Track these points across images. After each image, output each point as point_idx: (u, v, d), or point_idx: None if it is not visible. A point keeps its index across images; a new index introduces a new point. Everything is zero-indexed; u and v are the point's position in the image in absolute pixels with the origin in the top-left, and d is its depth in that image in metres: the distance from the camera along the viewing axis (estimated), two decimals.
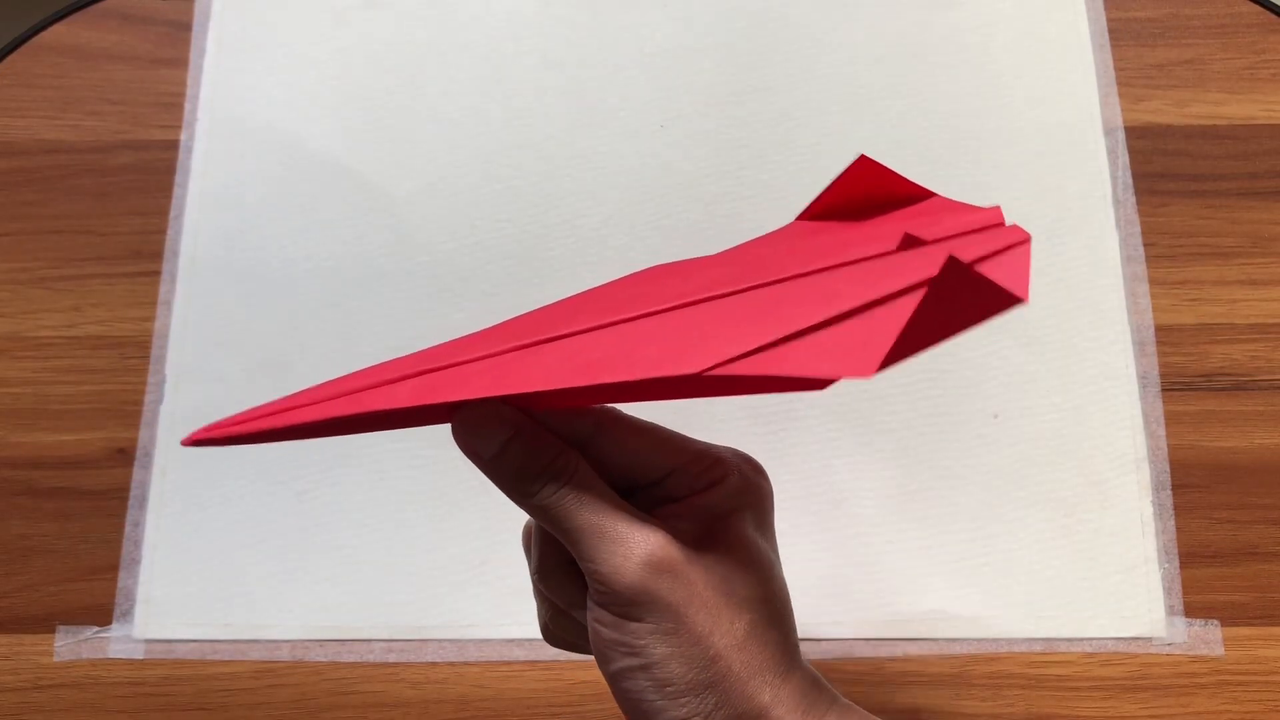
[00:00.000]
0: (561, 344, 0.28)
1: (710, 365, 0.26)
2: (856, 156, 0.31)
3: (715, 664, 0.29)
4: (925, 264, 0.27)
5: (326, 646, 0.43)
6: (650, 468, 0.30)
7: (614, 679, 0.28)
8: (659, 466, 0.30)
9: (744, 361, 0.27)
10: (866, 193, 0.33)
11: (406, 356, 0.29)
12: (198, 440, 0.27)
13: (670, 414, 0.33)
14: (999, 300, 0.26)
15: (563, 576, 0.31)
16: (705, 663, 0.28)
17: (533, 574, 0.32)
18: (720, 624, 0.29)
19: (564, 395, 0.28)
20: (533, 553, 0.31)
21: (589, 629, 0.29)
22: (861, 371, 0.25)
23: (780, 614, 0.30)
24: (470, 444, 0.29)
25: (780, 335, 0.26)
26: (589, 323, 0.29)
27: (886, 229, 0.31)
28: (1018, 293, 0.25)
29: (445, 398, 0.27)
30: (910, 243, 0.29)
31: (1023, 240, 0.26)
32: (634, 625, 0.28)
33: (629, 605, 0.28)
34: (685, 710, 0.28)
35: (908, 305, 0.26)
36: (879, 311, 0.27)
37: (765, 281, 0.29)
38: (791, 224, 0.34)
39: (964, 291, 0.27)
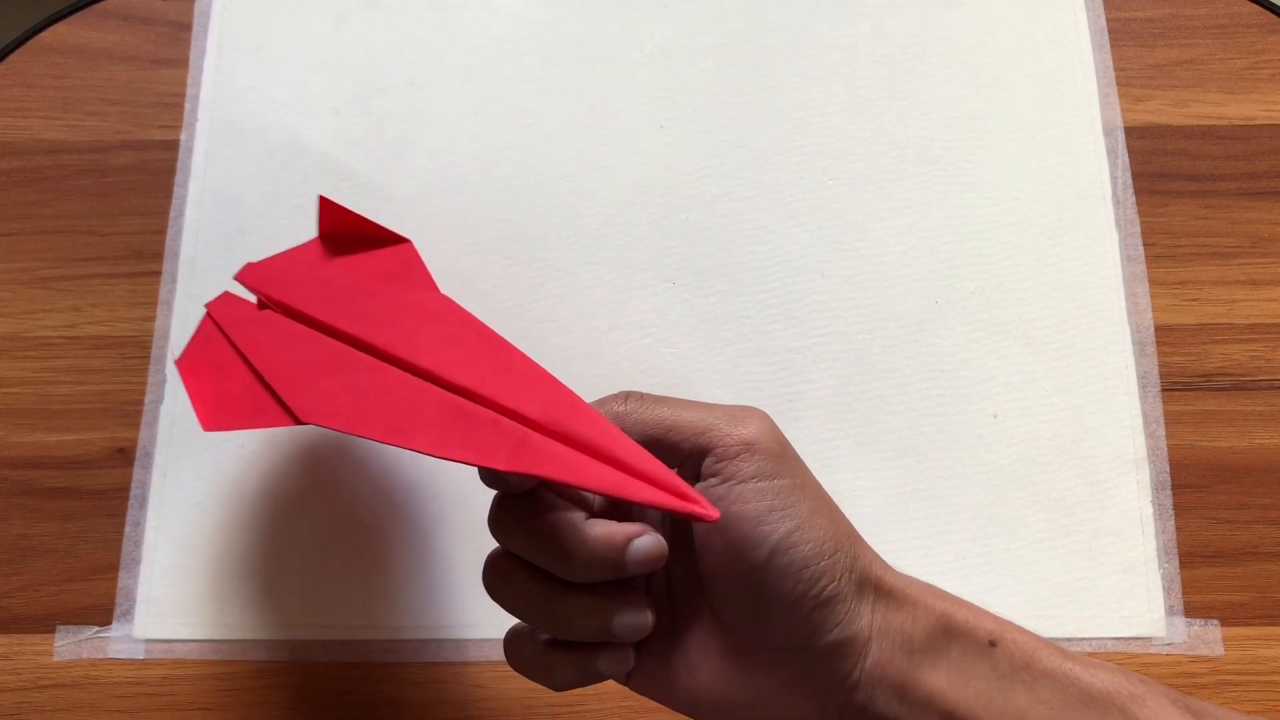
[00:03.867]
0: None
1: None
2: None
3: (836, 514, 0.30)
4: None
5: (326, 646, 0.43)
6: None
7: (773, 555, 0.28)
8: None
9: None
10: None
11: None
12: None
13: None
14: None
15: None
16: (832, 515, 0.30)
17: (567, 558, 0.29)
18: (820, 484, 0.30)
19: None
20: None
21: (724, 524, 0.28)
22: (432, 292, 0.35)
23: None
24: None
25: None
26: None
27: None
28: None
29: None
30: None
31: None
32: (779, 483, 0.29)
33: (773, 458, 0.29)
34: (839, 567, 0.28)
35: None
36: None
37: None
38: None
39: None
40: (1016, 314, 0.47)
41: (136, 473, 0.45)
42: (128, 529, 0.44)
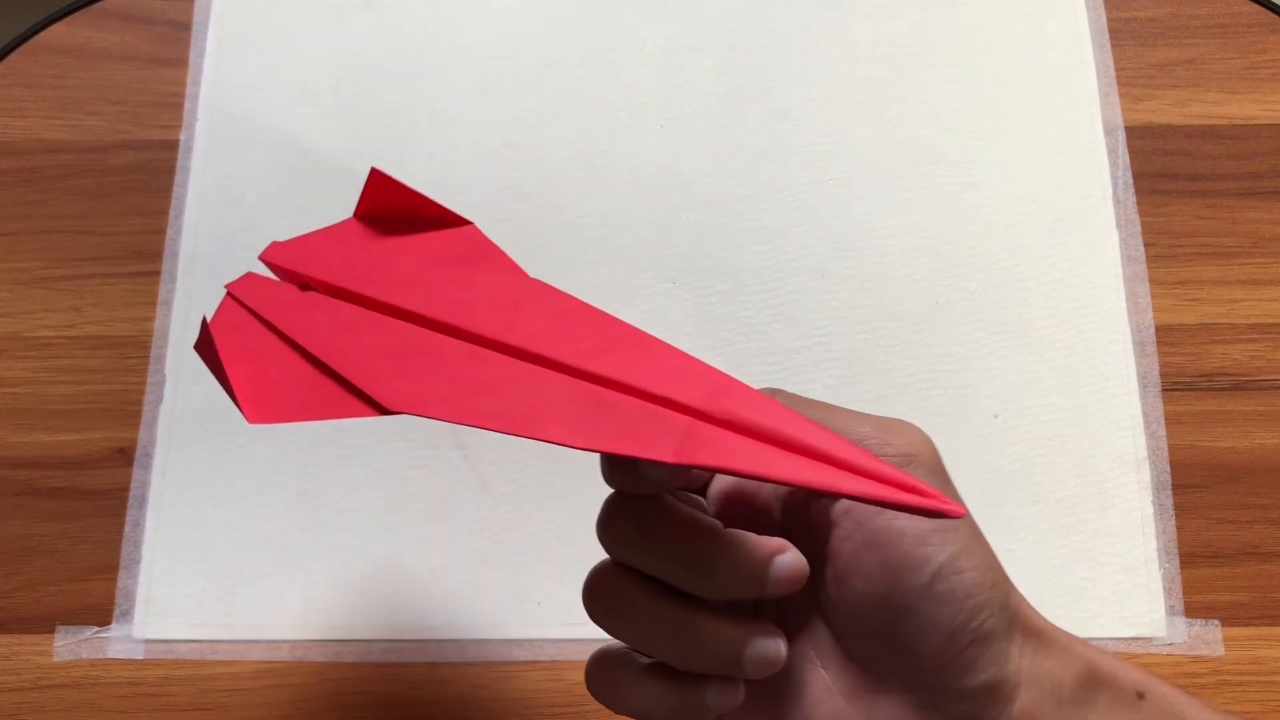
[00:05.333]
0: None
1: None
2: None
3: (988, 544, 0.27)
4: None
5: (326, 646, 0.43)
6: None
7: (935, 580, 0.25)
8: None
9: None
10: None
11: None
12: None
13: None
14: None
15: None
16: (986, 544, 0.27)
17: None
18: None
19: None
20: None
21: (881, 540, 0.25)
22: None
23: None
24: None
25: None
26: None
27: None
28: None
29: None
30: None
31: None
32: None
33: (936, 474, 0.27)
34: (996, 601, 0.26)
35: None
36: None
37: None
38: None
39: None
40: (1017, 314, 0.47)
41: (136, 473, 0.45)
42: (127, 529, 0.44)
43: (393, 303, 0.30)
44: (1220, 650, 0.42)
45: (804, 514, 0.28)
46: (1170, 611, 0.43)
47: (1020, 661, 0.26)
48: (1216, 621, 0.43)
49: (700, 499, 0.28)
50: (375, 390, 0.27)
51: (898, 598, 0.25)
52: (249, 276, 0.36)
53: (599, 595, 0.26)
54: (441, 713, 0.42)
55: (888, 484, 0.23)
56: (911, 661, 0.26)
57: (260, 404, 0.30)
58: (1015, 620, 0.26)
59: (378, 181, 0.35)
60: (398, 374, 0.28)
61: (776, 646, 0.26)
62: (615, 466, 0.26)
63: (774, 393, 0.27)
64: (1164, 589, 0.43)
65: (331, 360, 0.29)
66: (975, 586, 0.25)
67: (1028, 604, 0.27)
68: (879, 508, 0.24)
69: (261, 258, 0.36)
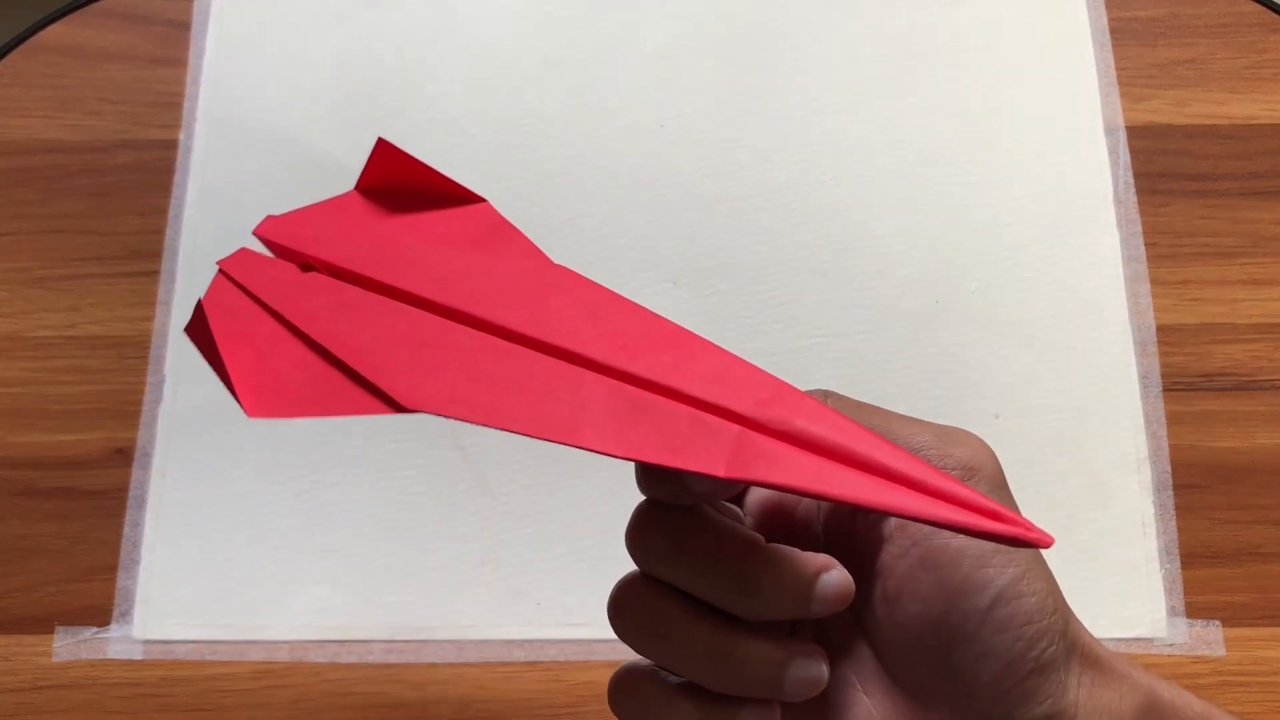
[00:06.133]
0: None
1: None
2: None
3: (1047, 567, 0.26)
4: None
5: (326, 647, 0.43)
6: None
7: (996, 604, 0.24)
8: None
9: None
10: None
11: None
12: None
13: None
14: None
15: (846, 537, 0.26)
16: (1046, 567, 0.26)
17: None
18: None
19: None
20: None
21: (939, 561, 0.24)
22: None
23: None
24: None
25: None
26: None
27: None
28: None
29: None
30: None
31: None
32: None
33: (998, 489, 0.25)
34: (1056, 629, 0.24)
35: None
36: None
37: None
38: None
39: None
40: (1018, 314, 0.47)
41: (135, 473, 0.45)
42: (126, 529, 0.44)
43: (403, 287, 0.27)
44: (1221, 651, 0.42)
45: (848, 528, 0.26)
46: (1171, 612, 0.43)
47: (1078, 693, 0.25)
48: (1217, 622, 0.42)
49: (736, 509, 0.27)
50: (390, 385, 0.25)
51: (954, 621, 0.24)
52: (243, 253, 0.32)
53: (628, 611, 0.25)
54: (441, 713, 0.42)
55: (965, 507, 0.20)
56: (964, 690, 0.25)
57: (260, 395, 0.27)
58: (1074, 648, 0.25)
59: (383, 152, 0.32)
60: (413, 368, 0.25)
61: (819, 669, 0.24)
62: (654, 476, 0.24)
63: (826, 395, 0.26)
64: (1165, 589, 0.43)
65: (338, 349, 0.27)
66: (1037, 612, 0.24)
67: (1085, 630, 0.26)
68: (938, 527, 0.22)
69: (256, 233, 0.32)
